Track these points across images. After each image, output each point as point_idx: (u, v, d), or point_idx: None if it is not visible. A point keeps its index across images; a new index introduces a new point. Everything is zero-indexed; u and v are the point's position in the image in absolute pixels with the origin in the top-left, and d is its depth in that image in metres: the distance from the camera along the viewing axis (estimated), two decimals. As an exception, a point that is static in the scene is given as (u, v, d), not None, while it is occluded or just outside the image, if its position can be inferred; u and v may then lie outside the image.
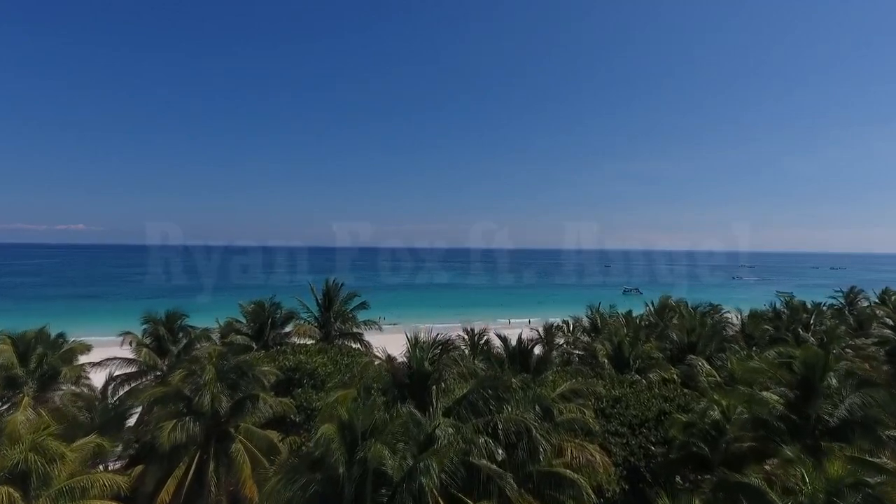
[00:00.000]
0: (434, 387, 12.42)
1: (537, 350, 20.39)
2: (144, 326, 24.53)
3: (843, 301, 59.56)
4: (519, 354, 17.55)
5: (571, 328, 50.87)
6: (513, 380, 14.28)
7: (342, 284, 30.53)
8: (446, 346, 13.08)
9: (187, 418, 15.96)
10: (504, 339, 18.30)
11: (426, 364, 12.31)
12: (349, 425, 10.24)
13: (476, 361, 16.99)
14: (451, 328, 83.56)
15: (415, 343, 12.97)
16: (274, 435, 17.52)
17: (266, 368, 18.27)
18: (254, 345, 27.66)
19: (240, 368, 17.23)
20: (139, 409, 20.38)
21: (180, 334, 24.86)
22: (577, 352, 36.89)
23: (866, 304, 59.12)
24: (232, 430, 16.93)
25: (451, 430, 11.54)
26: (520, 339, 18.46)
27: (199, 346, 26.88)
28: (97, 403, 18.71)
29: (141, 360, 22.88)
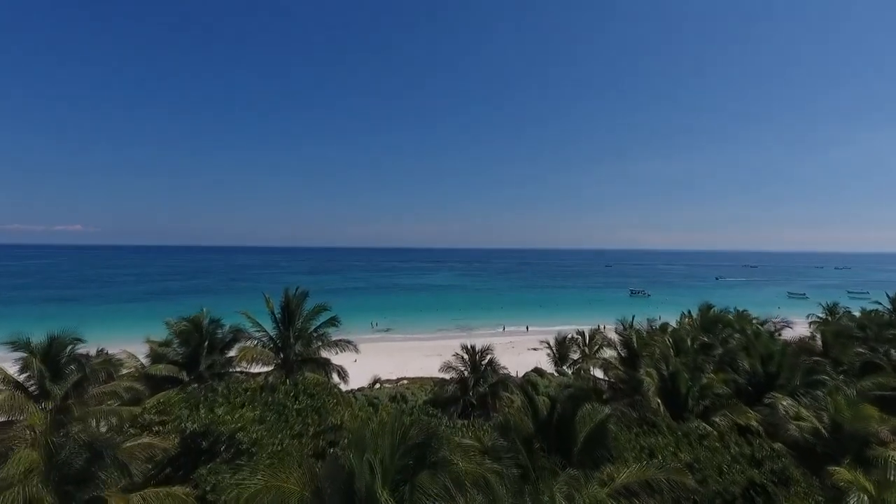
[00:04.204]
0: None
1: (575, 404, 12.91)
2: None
3: (890, 306, 52.32)
4: (557, 425, 10.81)
5: (588, 341, 43.97)
6: (555, 491, 7.48)
7: (307, 294, 23.54)
8: (427, 449, 6.22)
9: (-21, 546, 9.12)
10: (530, 397, 11.32)
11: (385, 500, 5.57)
12: None
13: (484, 442, 10.09)
14: (447, 335, 76.80)
15: (359, 455, 5.97)
16: (154, 553, 10.68)
17: (145, 441, 11.46)
18: (184, 376, 20.86)
19: (92, 448, 10.37)
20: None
21: (70, 367, 17.93)
22: (603, 377, 30.07)
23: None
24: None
25: None
26: (553, 404, 11.32)
27: (108, 377, 20.18)
28: None
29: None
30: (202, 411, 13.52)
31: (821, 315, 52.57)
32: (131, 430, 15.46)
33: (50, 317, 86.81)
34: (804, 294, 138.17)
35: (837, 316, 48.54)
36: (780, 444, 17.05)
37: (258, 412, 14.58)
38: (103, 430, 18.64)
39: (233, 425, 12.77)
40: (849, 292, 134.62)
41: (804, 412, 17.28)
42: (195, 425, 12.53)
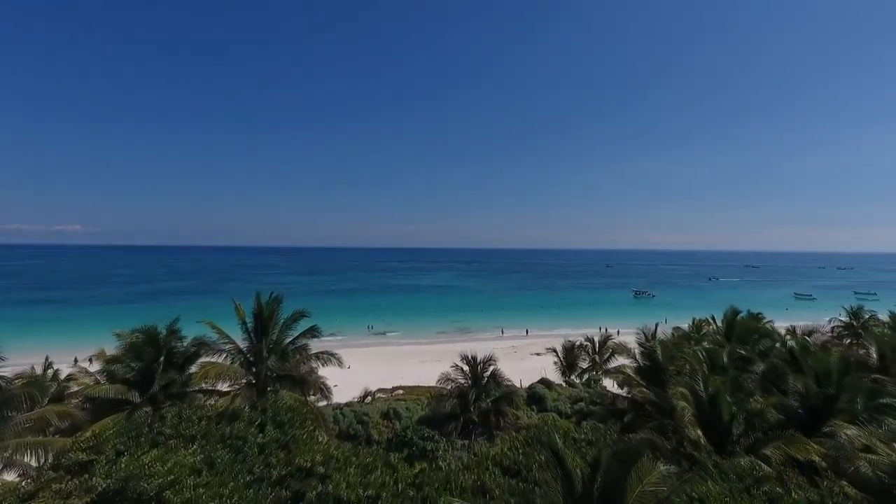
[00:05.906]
0: None
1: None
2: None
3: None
4: (599, 499, 7.69)
5: (598, 348, 40.86)
6: None
7: (281, 300, 20.34)
8: None
9: None
10: (560, 457, 8.10)
11: None
12: None
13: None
14: (446, 338, 73.63)
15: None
16: None
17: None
18: (135, 397, 17.74)
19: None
20: None
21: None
22: (619, 390, 26.89)
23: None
24: None
25: None
26: (594, 469, 7.98)
27: (32, 401, 17.08)
28: None
29: None
30: (122, 460, 10.40)
31: (843, 319, 49.17)
32: (51, 473, 12.40)
33: (39, 319, 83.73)
34: (811, 295, 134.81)
35: (863, 320, 45.30)
36: (849, 486, 13.98)
37: (203, 455, 11.44)
38: (34, 463, 15.65)
39: (161, 479, 9.67)
40: (856, 293, 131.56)
41: (881, 445, 14.15)
42: (109, 480, 9.44)
